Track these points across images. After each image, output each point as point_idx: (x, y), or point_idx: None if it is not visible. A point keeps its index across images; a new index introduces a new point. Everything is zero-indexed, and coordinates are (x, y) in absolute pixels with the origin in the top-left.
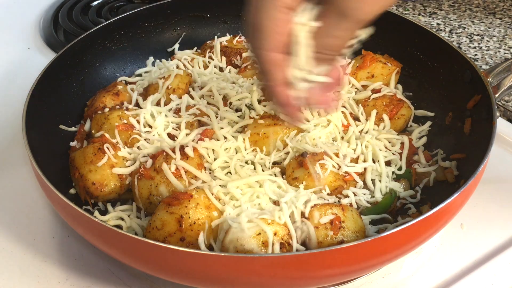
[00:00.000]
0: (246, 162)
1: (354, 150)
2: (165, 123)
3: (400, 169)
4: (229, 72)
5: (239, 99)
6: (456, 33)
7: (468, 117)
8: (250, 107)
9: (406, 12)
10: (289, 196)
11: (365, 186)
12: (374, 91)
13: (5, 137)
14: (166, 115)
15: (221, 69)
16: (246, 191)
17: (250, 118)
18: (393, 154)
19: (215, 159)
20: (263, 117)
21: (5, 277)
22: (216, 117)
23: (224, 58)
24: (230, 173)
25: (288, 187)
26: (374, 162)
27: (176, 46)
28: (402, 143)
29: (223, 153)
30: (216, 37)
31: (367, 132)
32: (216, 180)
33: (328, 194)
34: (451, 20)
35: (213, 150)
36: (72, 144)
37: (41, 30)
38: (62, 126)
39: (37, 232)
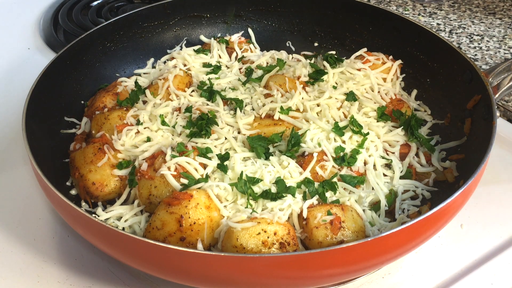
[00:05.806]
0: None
1: (354, 150)
2: (164, 123)
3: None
4: (231, 70)
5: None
6: (456, 33)
7: (468, 117)
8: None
9: (406, 12)
10: (289, 197)
11: (365, 186)
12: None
13: (5, 137)
14: (165, 115)
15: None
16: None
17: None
18: (393, 154)
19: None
20: (263, 117)
21: (5, 277)
22: (216, 117)
23: (226, 56)
24: (230, 173)
25: (287, 188)
26: (374, 163)
27: (177, 48)
28: (402, 144)
29: (223, 153)
30: (222, 33)
31: (367, 133)
32: (216, 180)
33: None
34: (451, 20)
35: (213, 150)
36: (72, 144)
37: (41, 30)
38: (62, 131)
39: (37, 232)
